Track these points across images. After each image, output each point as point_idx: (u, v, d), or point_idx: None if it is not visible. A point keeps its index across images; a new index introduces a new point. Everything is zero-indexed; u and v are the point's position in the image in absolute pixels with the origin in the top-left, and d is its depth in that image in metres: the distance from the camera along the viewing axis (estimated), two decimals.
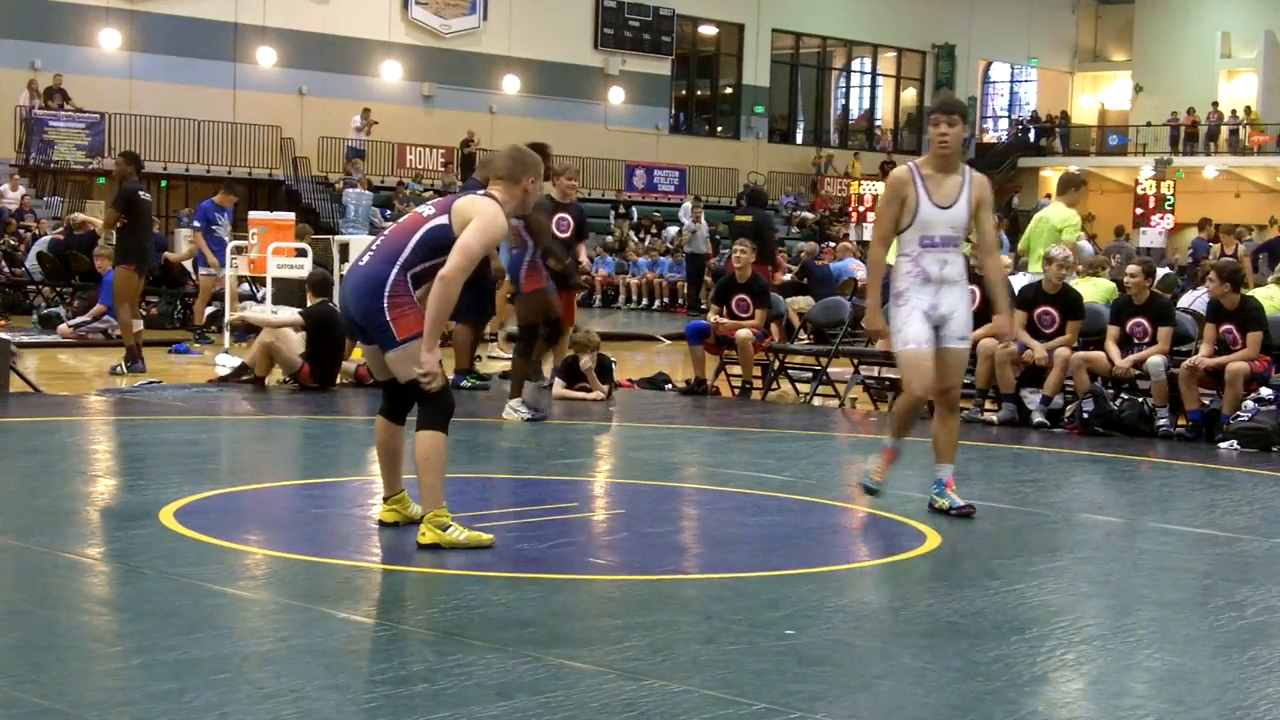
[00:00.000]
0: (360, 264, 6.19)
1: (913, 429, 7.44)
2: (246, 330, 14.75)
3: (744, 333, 12.87)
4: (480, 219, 6.04)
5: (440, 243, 6.05)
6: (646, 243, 32.38)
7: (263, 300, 15.32)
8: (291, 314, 12.79)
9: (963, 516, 7.16)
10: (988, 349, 11.28)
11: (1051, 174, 41.30)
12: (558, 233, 12.82)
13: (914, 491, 8.15)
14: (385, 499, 6.49)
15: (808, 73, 45.05)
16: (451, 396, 6.23)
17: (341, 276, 6.42)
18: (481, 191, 6.34)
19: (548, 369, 12.72)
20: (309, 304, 12.75)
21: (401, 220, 6.30)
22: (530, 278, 10.87)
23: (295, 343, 12.41)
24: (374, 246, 6.21)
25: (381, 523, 6.46)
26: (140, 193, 13.71)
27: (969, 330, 7.26)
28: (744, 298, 13.21)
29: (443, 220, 6.09)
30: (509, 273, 11.25)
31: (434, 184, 31.96)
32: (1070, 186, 13.71)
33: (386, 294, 6.01)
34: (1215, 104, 43.53)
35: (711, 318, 13.42)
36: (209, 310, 19.17)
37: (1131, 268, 11.51)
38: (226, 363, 14.25)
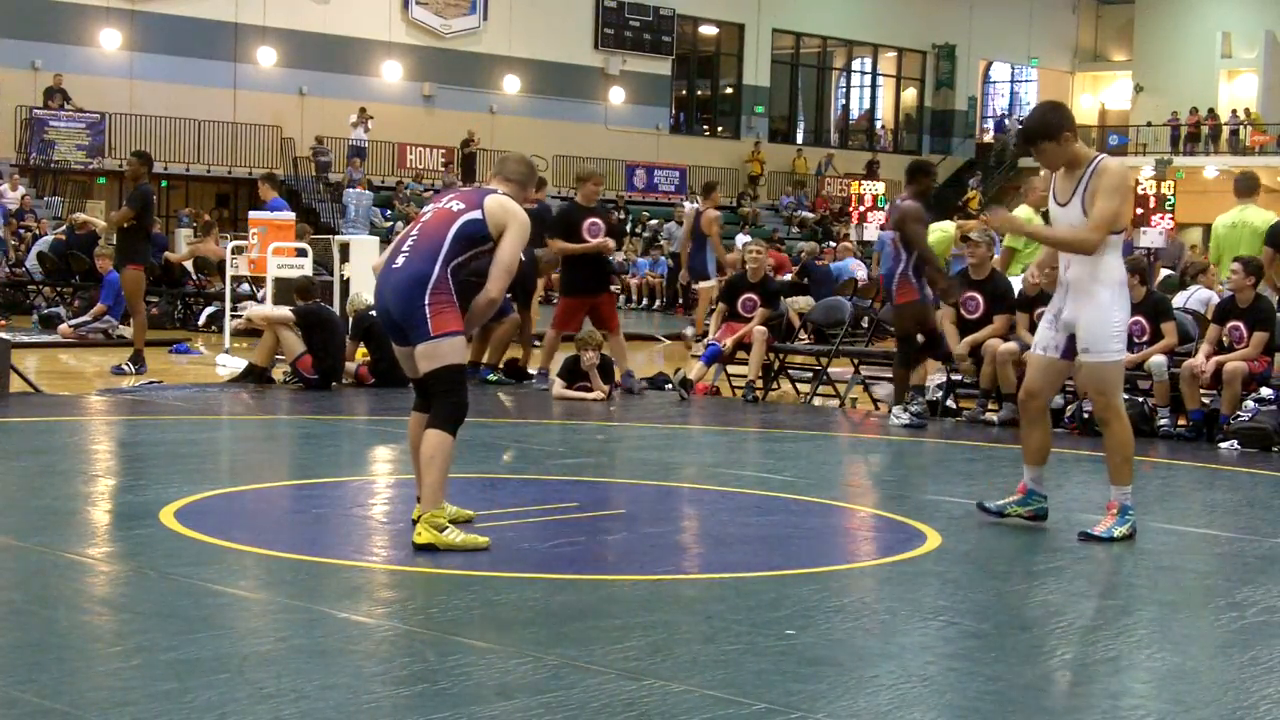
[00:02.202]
0: (395, 266, 6.13)
1: (1037, 445, 7.02)
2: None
3: (760, 328, 12.80)
4: (512, 233, 6.15)
5: (475, 237, 6.11)
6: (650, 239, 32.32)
7: (263, 300, 15.34)
8: (284, 311, 12.82)
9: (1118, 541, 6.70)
10: (991, 349, 11.30)
11: (1047, 173, 41.12)
12: (589, 238, 12.67)
13: (913, 491, 8.15)
14: (419, 498, 6.28)
15: (808, 73, 45.08)
16: (466, 399, 6.22)
17: (377, 279, 6.39)
18: (501, 190, 6.32)
19: (553, 368, 12.70)
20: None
21: (429, 219, 6.20)
22: (903, 289, 11.00)
23: (294, 341, 12.41)
24: (406, 248, 6.15)
25: (414, 521, 6.22)
26: (152, 194, 13.82)
27: (1094, 343, 6.69)
28: (753, 297, 13.12)
29: (475, 215, 6.12)
30: (884, 283, 11.27)
31: (434, 184, 31.96)
32: (1260, 185, 12.32)
33: (429, 290, 6.04)
34: (1212, 110, 43.51)
35: (715, 331, 13.33)
36: (209, 310, 19.21)
37: None
38: (227, 363, 14.26)
